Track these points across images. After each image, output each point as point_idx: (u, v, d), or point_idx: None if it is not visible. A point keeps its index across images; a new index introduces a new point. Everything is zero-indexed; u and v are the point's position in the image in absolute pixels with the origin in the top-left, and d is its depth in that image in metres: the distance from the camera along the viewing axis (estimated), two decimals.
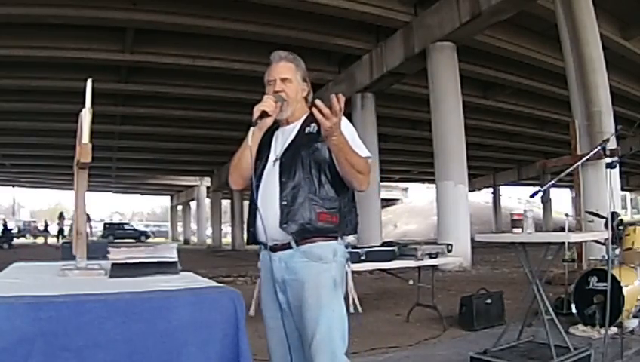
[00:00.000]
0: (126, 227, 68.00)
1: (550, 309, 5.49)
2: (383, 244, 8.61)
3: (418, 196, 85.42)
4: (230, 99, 28.34)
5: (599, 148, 5.75)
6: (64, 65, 22.77)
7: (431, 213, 26.99)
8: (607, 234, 6.16)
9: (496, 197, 66.65)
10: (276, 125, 3.51)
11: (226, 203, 55.67)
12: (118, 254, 2.83)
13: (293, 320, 3.22)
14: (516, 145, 43.44)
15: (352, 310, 3.33)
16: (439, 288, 10.34)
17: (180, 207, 76.61)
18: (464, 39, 18.68)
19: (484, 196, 73.51)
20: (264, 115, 3.34)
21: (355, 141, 3.22)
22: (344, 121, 3.15)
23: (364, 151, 3.25)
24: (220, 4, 18.98)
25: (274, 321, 3.30)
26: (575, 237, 5.87)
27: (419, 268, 8.70)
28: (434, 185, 19.68)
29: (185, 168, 53.57)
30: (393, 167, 49.08)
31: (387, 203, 75.61)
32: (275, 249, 3.26)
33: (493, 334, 6.88)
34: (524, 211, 5.71)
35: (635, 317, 7.40)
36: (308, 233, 3.17)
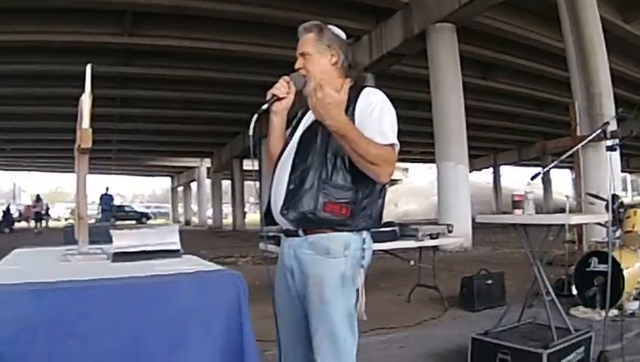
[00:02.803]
0: (127, 209, 67.67)
1: (551, 290, 5.50)
2: (384, 224, 8.59)
3: (419, 176, 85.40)
4: (230, 80, 28.41)
5: (600, 130, 5.75)
6: (63, 49, 22.78)
7: (431, 193, 26.94)
8: (607, 217, 6.15)
9: (496, 177, 66.59)
10: None
11: (226, 183, 55.56)
12: (122, 239, 2.80)
13: (303, 308, 3.03)
14: (516, 125, 43.37)
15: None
16: (440, 268, 10.30)
17: (180, 188, 76.51)
18: (464, 20, 18.60)
19: (485, 176, 73.47)
20: (275, 98, 3.14)
21: (382, 122, 2.96)
22: (374, 97, 3.03)
23: (387, 137, 2.93)
24: None
25: (284, 306, 3.14)
26: (576, 219, 5.88)
27: (420, 248, 8.74)
28: (435, 165, 19.65)
29: (185, 149, 53.55)
30: None
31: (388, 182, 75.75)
32: (287, 234, 3.08)
33: (494, 315, 6.89)
34: (525, 192, 5.70)
35: (635, 299, 7.45)
36: (310, 223, 2.91)
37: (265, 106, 3.11)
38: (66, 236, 3.87)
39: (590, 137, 6.04)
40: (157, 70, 26.47)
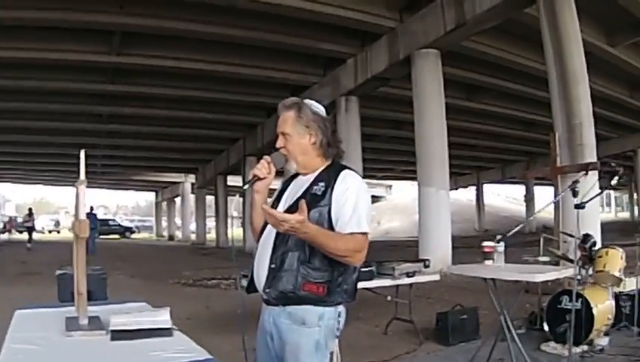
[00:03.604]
0: (111, 223, 67.25)
1: (516, 338, 5.72)
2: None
3: (402, 193, 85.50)
4: (214, 99, 28.76)
5: (569, 188, 5.95)
6: (52, 66, 23.01)
7: (414, 210, 27.20)
8: (571, 272, 6.37)
9: (479, 195, 66.84)
10: (296, 173, 3.53)
11: (210, 199, 55.64)
12: (119, 318, 3.05)
13: None
14: (501, 145, 43.74)
15: None
16: (418, 296, 10.46)
17: (164, 203, 76.60)
18: (449, 46, 18.81)
19: (468, 194, 73.73)
20: (256, 178, 3.35)
21: (356, 211, 3.15)
22: (350, 182, 3.22)
23: (360, 226, 3.14)
24: (206, 9, 19.01)
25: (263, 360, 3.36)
26: (540, 277, 6.07)
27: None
28: (417, 182, 19.86)
29: (170, 165, 53.75)
30: (377, 165, 49.32)
31: (371, 200, 76.02)
32: (267, 303, 3.30)
33: (468, 349, 7.13)
34: (495, 245, 5.94)
35: (605, 335, 7.70)
36: (290, 300, 3.16)
37: (247, 186, 3.36)
38: (60, 288, 4.05)
39: (560, 195, 6.23)
40: (143, 88, 26.73)
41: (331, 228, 3.14)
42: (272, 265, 3.20)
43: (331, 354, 3.28)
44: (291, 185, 3.46)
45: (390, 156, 44.27)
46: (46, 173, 56.33)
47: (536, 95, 25.37)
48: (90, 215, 32.52)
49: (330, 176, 3.27)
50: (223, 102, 29.15)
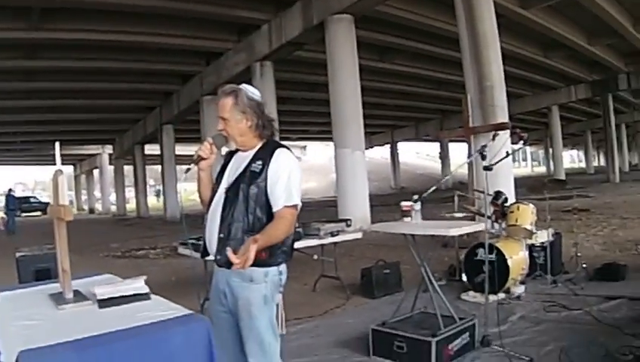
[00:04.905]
0: (32, 200, 66.18)
1: (437, 286, 6.17)
2: None
3: (317, 154, 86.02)
4: (130, 69, 28.77)
5: (477, 153, 6.37)
6: None
7: (330, 170, 27.45)
8: (483, 226, 6.80)
9: (394, 153, 67.63)
10: (236, 149, 3.95)
11: (128, 168, 55.11)
12: (102, 288, 3.45)
13: (234, 321, 3.74)
14: (414, 104, 44.54)
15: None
16: (342, 254, 11.09)
17: (83, 176, 75.68)
18: (362, 11, 19.13)
19: (383, 152, 74.41)
20: (200, 158, 3.78)
21: (288, 186, 3.64)
22: (283, 160, 3.68)
23: (292, 199, 3.64)
24: None
25: (217, 318, 3.77)
26: (454, 231, 6.47)
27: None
28: (332, 143, 20.37)
29: (87, 138, 53.24)
30: (292, 128, 49.94)
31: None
32: (219, 265, 3.72)
33: (392, 301, 7.62)
34: (412, 204, 6.39)
35: (521, 283, 8.33)
36: None
37: (192, 166, 3.81)
38: (21, 270, 4.33)
39: (470, 158, 6.65)
40: (60, 62, 26.51)
41: (267, 199, 3.64)
42: (221, 235, 3.69)
43: (277, 306, 3.83)
44: (232, 160, 3.91)
45: (306, 118, 44.85)
46: None
47: (449, 55, 26.00)
48: (10, 196, 32.68)
49: (265, 154, 3.72)
50: (138, 71, 29.20)
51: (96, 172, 69.57)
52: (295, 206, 3.68)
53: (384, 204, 23.79)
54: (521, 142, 6.76)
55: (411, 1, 21.49)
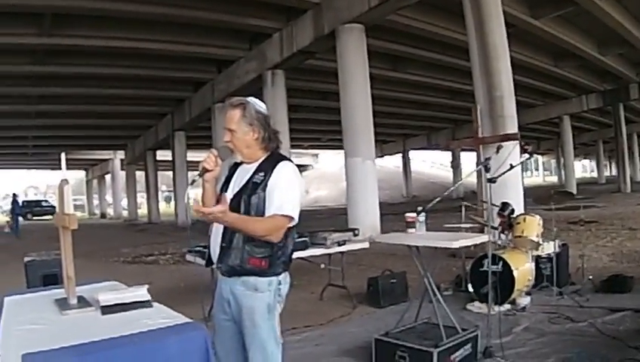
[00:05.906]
0: (43, 204, 65.99)
1: (440, 298, 6.21)
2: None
3: (328, 162, 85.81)
4: (143, 76, 28.72)
5: (481, 165, 6.41)
6: None
7: (341, 178, 27.58)
8: (487, 238, 6.79)
9: (406, 161, 67.58)
10: (241, 161, 3.99)
11: (140, 174, 55.17)
12: (105, 295, 3.55)
13: (237, 328, 3.82)
14: (427, 113, 44.52)
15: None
16: (350, 263, 11.09)
17: (95, 181, 75.83)
18: (373, 20, 19.04)
19: (395, 161, 74.29)
20: (205, 170, 3.78)
21: (283, 197, 3.69)
22: (284, 172, 3.76)
23: (282, 210, 3.67)
24: None
25: (221, 327, 3.89)
26: (457, 243, 6.50)
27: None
28: (343, 151, 20.25)
29: (99, 143, 53.29)
30: (303, 135, 49.90)
31: (298, 169, 75.98)
32: (224, 274, 3.83)
33: (397, 311, 7.61)
34: (417, 215, 6.43)
35: (527, 294, 8.36)
36: (238, 273, 3.72)
37: (197, 177, 3.83)
38: (30, 273, 4.43)
39: (477, 168, 6.68)
40: (73, 68, 26.61)
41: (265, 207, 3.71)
42: (223, 244, 3.78)
43: (280, 315, 3.86)
44: (237, 172, 3.98)
45: (317, 126, 44.83)
46: None
47: (462, 65, 25.55)
48: (14, 202, 33.20)
49: (268, 166, 3.80)
50: (151, 78, 29.21)
51: (108, 177, 69.71)
52: (287, 216, 3.72)
53: (395, 212, 23.78)
54: (526, 154, 6.78)
55: (422, 11, 21.36)
